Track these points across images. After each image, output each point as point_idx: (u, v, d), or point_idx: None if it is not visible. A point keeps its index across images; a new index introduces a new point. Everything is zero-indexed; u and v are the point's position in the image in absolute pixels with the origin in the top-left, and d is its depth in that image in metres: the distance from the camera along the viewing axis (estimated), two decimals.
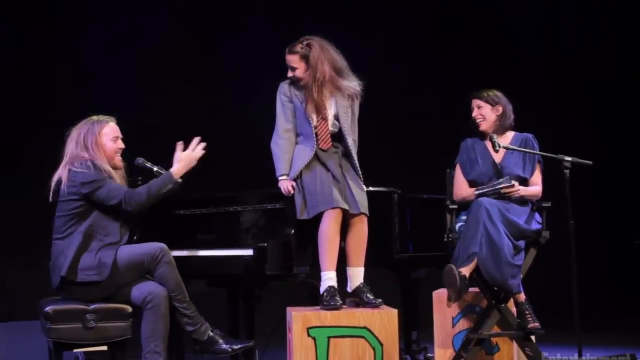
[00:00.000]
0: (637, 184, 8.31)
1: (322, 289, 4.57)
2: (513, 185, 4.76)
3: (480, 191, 4.79)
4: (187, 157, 4.55)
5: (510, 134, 5.03)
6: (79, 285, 4.35)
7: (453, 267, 4.57)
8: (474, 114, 5.03)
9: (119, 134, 4.58)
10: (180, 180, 4.53)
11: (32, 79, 7.10)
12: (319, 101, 4.72)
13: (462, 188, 5.03)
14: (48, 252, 4.50)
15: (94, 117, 4.57)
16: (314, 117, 4.72)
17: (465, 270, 4.60)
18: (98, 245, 4.39)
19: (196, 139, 4.60)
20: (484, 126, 5.01)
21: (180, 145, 4.57)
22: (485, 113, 5.00)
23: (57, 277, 4.40)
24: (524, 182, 4.90)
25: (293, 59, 4.78)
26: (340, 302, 4.53)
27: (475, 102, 5.03)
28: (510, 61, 8.39)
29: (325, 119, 4.74)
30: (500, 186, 4.77)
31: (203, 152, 4.61)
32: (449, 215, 4.90)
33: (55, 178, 4.48)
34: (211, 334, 4.43)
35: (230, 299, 5.38)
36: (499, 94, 5.03)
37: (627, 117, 8.54)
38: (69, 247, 4.36)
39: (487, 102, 5.00)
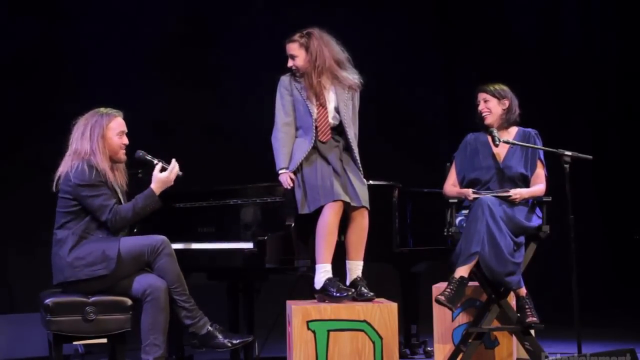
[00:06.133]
0: (637, 178, 8.29)
1: (319, 281, 4.56)
2: (510, 196, 4.75)
3: (477, 194, 4.77)
4: (165, 178, 4.49)
5: (514, 130, 5.01)
6: (81, 281, 4.35)
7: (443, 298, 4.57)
8: (480, 108, 5.00)
9: (125, 129, 4.56)
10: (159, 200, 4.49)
11: (33, 70, 7.10)
12: (317, 87, 4.71)
13: (448, 186, 5.02)
14: (48, 244, 4.50)
15: (103, 110, 4.54)
16: (314, 107, 4.72)
17: (465, 270, 4.60)
18: (97, 240, 4.38)
19: (174, 162, 4.54)
20: (489, 120, 4.98)
21: (159, 166, 4.52)
22: (491, 106, 4.97)
23: (57, 277, 4.39)
24: (526, 179, 4.89)
25: (293, 47, 4.79)
26: (352, 290, 4.56)
27: (482, 96, 5.00)
28: (510, 54, 8.37)
29: (324, 107, 4.73)
30: (498, 194, 4.75)
31: (180, 173, 4.55)
32: (449, 209, 4.89)
33: (59, 169, 4.48)
34: (210, 328, 4.41)
35: (230, 292, 5.38)
36: (505, 88, 5.01)
37: (627, 111, 8.52)
38: (68, 248, 4.35)
39: (493, 95, 4.97)
